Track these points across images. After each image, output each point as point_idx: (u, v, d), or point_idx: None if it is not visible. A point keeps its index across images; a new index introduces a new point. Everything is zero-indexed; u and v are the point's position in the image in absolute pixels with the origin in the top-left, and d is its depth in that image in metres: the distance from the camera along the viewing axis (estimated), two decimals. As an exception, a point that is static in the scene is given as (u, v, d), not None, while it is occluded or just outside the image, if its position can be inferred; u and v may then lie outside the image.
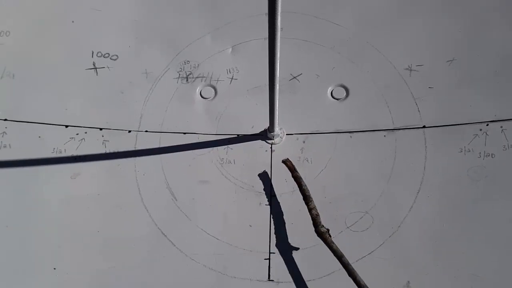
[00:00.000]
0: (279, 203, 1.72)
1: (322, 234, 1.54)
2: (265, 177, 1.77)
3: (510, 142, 1.68)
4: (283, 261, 1.62)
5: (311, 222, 1.58)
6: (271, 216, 1.70)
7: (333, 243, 1.50)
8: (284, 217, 1.69)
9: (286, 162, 1.75)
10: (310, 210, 1.60)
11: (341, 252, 1.48)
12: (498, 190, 1.62)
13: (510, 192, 1.61)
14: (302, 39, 2.02)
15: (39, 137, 1.90)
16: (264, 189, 1.74)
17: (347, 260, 1.46)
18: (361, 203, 1.66)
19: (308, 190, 1.64)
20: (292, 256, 1.62)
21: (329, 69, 1.96)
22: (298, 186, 1.67)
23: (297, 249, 1.63)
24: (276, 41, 1.32)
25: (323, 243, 1.53)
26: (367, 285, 1.40)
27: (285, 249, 1.64)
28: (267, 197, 1.74)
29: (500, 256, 1.52)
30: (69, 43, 2.09)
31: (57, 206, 1.77)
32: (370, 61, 1.94)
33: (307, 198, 1.62)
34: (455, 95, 1.81)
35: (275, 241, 1.65)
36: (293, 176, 1.71)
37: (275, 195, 1.74)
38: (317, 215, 1.58)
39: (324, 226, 1.55)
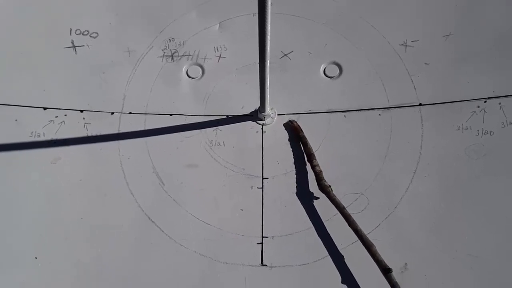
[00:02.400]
0: (271, 186, 1.66)
1: (325, 187, 1.56)
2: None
3: (509, 119, 1.64)
4: (276, 245, 1.56)
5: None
6: (263, 199, 1.64)
7: (335, 196, 1.54)
8: (277, 200, 1.63)
9: (290, 123, 1.74)
10: (314, 167, 1.62)
11: (343, 205, 1.52)
12: (497, 168, 1.59)
13: (509, 170, 1.58)
14: (293, 14, 1.95)
15: (16, 120, 1.80)
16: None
17: (348, 212, 1.50)
18: (356, 184, 1.61)
19: (312, 148, 1.66)
20: (285, 240, 1.57)
21: (321, 46, 1.88)
22: (303, 145, 1.68)
23: (290, 233, 1.58)
24: (266, 15, 1.24)
25: (326, 196, 1.56)
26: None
27: (278, 233, 1.58)
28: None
29: (499, 236, 1.50)
30: (45, 20, 1.98)
31: (37, 192, 1.68)
32: (364, 37, 1.88)
33: (311, 156, 1.64)
34: (452, 71, 1.76)
35: (267, 225, 1.59)
36: (300, 136, 1.69)
37: (267, 178, 1.67)
38: (321, 171, 1.60)
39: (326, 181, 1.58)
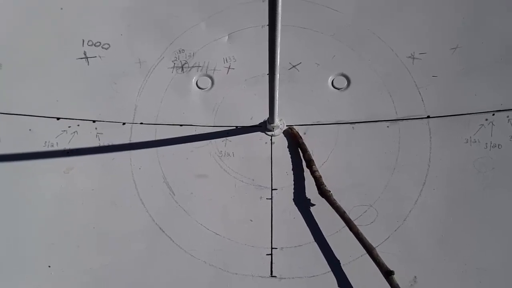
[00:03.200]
0: (280, 196, 1.67)
1: (325, 192, 1.58)
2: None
3: (517, 132, 1.65)
4: (286, 257, 1.57)
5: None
6: (272, 210, 1.65)
7: (336, 201, 1.55)
8: (286, 211, 1.65)
9: (291, 129, 1.76)
10: (313, 172, 1.64)
11: (343, 209, 1.53)
12: (506, 182, 1.59)
13: (518, 184, 1.58)
14: (301, 26, 1.97)
15: (30, 130, 1.83)
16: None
17: (349, 217, 1.52)
18: (364, 196, 1.62)
19: (311, 155, 1.69)
20: (294, 251, 1.58)
21: (329, 58, 1.90)
22: (302, 152, 1.69)
23: (300, 244, 1.59)
24: (276, 27, 1.27)
25: (326, 201, 1.58)
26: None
27: (287, 244, 1.59)
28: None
29: (508, 249, 1.50)
30: (58, 31, 2.01)
31: (50, 201, 1.71)
32: (372, 49, 1.89)
33: (310, 162, 1.66)
34: (460, 84, 1.77)
35: (277, 236, 1.61)
36: (298, 142, 1.71)
37: (276, 189, 1.69)
38: (320, 176, 1.63)
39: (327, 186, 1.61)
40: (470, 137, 1.67)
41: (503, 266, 1.47)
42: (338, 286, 1.51)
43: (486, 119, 1.69)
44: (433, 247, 1.44)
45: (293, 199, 1.67)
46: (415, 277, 1.46)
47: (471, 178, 1.61)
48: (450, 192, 1.60)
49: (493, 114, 1.69)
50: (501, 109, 1.69)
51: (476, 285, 1.42)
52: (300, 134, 1.77)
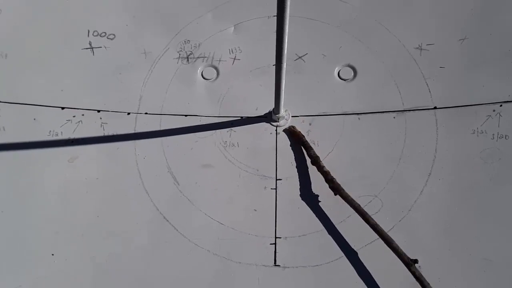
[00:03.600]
0: (285, 187, 1.67)
1: (338, 187, 1.56)
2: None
3: (525, 123, 1.63)
4: (290, 246, 1.57)
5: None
6: (277, 200, 1.64)
7: (349, 195, 1.54)
8: (290, 201, 1.64)
9: (292, 129, 1.74)
10: (321, 168, 1.62)
11: (358, 203, 1.52)
12: (512, 173, 1.58)
13: (525, 175, 1.57)
14: (308, 17, 1.95)
15: (34, 119, 1.83)
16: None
17: (364, 209, 1.50)
18: (369, 187, 1.61)
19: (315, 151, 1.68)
20: (298, 241, 1.57)
21: (336, 49, 1.89)
22: (307, 149, 1.67)
23: (304, 233, 1.58)
24: (285, 16, 1.26)
25: (340, 196, 1.56)
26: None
27: (291, 233, 1.59)
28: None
29: (513, 240, 1.49)
30: (63, 21, 2.01)
31: (55, 190, 1.71)
32: (379, 40, 1.88)
33: (317, 159, 1.65)
34: (467, 75, 1.76)
35: (280, 226, 1.60)
36: (302, 141, 1.69)
37: (280, 179, 1.68)
38: (329, 172, 1.61)
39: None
40: (477, 128, 1.65)
41: (508, 257, 1.46)
42: (342, 275, 1.50)
43: (494, 110, 1.67)
44: (438, 237, 1.43)
45: (298, 189, 1.66)
46: (419, 266, 1.45)
47: (477, 169, 1.59)
48: (456, 183, 1.59)
49: (501, 105, 1.67)
50: (509, 100, 1.67)
51: (480, 275, 1.41)
52: (303, 131, 1.75)
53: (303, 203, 1.64)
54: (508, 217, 1.52)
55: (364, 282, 1.49)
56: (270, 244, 1.58)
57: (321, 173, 1.62)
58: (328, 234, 1.57)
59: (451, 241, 1.44)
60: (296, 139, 1.74)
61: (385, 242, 1.44)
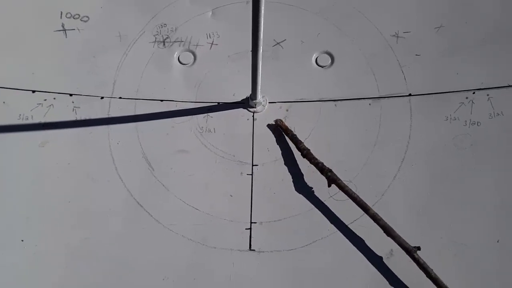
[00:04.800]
0: (261, 172, 1.66)
1: (336, 178, 1.55)
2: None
3: (496, 110, 1.66)
4: (265, 231, 1.57)
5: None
6: (253, 185, 1.64)
7: (346, 185, 1.54)
8: (266, 186, 1.64)
9: (279, 122, 1.71)
10: (314, 159, 1.60)
11: (356, 194, 1.52)
12: (483, 158, 1.61)
13: (495, 160, 1.60)
14: (287, 3, 1.94)
15: (4, 102, 1.78)
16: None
17: (363, 201, 1.50)
18: (344, 172, 1.61)
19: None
20: (273, 226, 1.58)
21: (314, 35, 1.88)
22: (296, 143, 1.65)
23: (279, 218, 1.58)
24: (260, 2, 1.24)
25: (337, 187, 1.56)
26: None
27: (267, 218, 1.59)
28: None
29: (483, 224, 1.52)
30: (35, 2, 1.94)
31: (25, 175, 1.67)
32: (357, 27, 1.88)
33: (308, 152, 1.62)
34: (442, 62, 1.78)
35: (256, 211, 1.60)
36: (291, 135, 1.67)
37: (257, 165, 1.68)
38: (322, 163, 1.59)
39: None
40: (450, 115, 1.68)
41: (478, 240, 1.50)
42: (316, 259, 1.51)
43: (467, 97, 1.70)
44: (410, 221, 1.46)
45: (274, 175, 1.66)
46: (391, 250, 1.47)
47: (449, 154, 1.62)
48: (429, 168, 1.61)
49: (474, 93, 1.70)
50: (481, 88, 1.70)
51: (451, 258, 1.44)
52: (280, 117, 1.74)
53: (279, 188, 1.64)
54: (479, 201, 1.55)
55: (336, 266, 1.50)
56: (246, 229, 1.58)
57: (314, 165, 1.60)
58: (302, 219, 1.57)
59: (423, 225, 1.46)
60: (284, 132, 1.71)
61: (385, 232, 1.44)
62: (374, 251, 1.47)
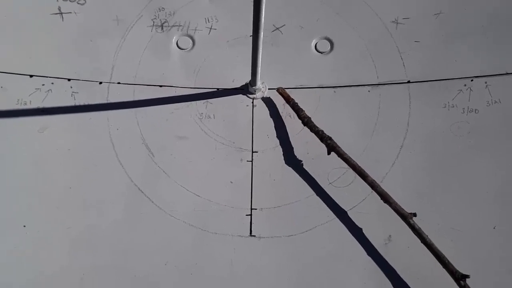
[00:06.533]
0: (261, 159, 1.68)
1: (336, 145, 1.58)
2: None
3: (494, 97, 1.68)
4: (265, 217, 1.59)
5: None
6: (253, 172, 1.65)
7: (345, 153, 1.57)
8: (266, 173, 1.65)
9: (280, 90, 1.73)
10: (314, 127, 1.63)
11: (355, 161, 1.55)
12: (481, 145, 1.63)
13: (493, 148, 1.62)
14: (286, -13, 1.91)
15: (1, 87, 1.76)
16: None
17: (361, 168, 1.54)
18: (343, 159, 1.63)
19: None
20: (273, 212, 1.60)
21: (313, 21, 1.87)
22: (297, 111, 1.68)
23: (279, 205, 1.61)
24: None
25: (337, 155, 1.58)
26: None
27: (267, 205, 1.61)
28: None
29: (480, 210, 1.55)
30: (31, -15, 1.90)
31: (25, 161, 1.66)
32: (356, 13, 1.87)
33: (309, 120, 1.65)
34: (441, 49, 1.78)
35: (256, 197, 1.62)
36: (293, 103, 1.69)
37: (256, 151, 1.69)
38: (322, 131, 1.63)
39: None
40: (448, 102, 1.69)
41: (475, 226, 1.53)
42: (316, 245, 1.54)
43: (465, 85, 1.71)
44: (408, 207, 1.48)
45: (274, 161, 1.67)
46: (390, 235, 1.51)
47: (447, 141, 1.64)
48: (427, 155, 1.63)
49: (472, 80, 1.71)
50: (479, 75, 1.71)
51: (448, 244, 1.47)
52: (279, 104, 1.75)
53: (279, 175, 1.65)
54: (477, 188, 1.58)
55: (336, 251, 1.53)
56: (246, 215, 1.60)
57: (315, 133, 1.63)
58: (302, 205, 1.60)
59: (421, 212, 1.49)
60: (285, 100, 1.73)
61: (382, 199, 1.48)
62: (373, 237, 1.50)
